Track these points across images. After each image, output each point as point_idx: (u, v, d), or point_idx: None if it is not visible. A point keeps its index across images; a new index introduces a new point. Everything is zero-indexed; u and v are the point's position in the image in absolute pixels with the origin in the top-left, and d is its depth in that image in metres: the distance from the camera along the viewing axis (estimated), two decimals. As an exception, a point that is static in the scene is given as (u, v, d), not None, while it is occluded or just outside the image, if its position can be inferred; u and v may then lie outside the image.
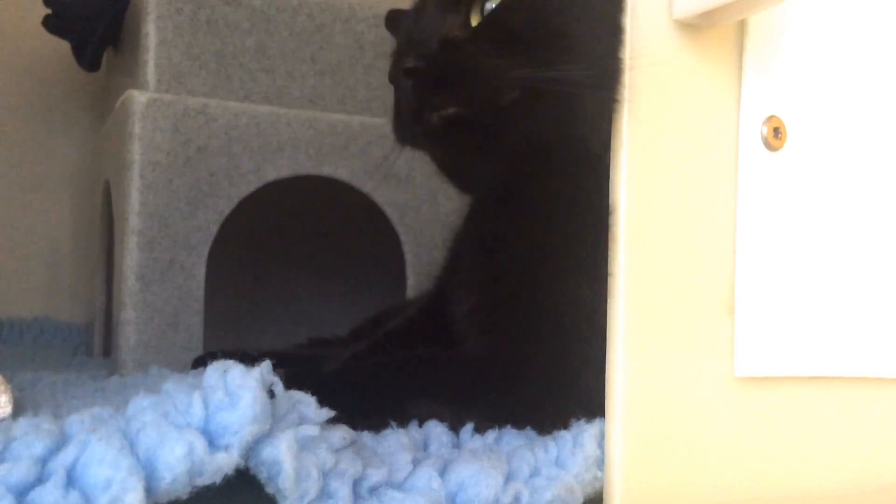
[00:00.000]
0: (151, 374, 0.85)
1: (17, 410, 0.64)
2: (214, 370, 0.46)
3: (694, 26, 0.60)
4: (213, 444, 0.42)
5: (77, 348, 1.36)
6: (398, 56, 0.67)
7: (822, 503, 0.67)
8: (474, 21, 0.63)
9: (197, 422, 0.43)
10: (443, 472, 0.53)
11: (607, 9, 0.61)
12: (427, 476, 0.51)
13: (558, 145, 0.64)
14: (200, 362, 0.83)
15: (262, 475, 0.45)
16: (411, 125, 0.65)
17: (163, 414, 0.44)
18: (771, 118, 0.63)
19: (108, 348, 1.14)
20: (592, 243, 0.60)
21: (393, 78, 0.67)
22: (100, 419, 0.47)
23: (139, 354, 0.93)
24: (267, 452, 0.44)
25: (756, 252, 0.62)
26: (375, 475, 0.50)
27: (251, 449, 0.44)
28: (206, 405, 0.43)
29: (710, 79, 0.62)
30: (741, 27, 0.62)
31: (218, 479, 0.42)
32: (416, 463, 0.54)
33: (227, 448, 0.42)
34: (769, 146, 0.63)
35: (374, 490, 0.50)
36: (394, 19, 0.80)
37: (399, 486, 0.51)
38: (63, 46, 1.26)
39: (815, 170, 0.66)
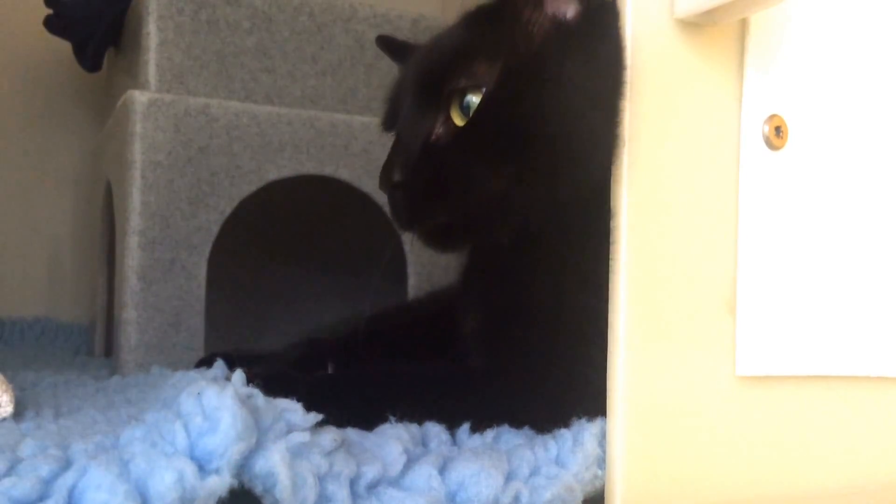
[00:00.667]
0: (153, 374, 0.85)
1: (19, 410, 0.64)
2: (188, 395, 0.45)
3: (695, 25, 0.60)
4: (202, 468, 0.42)
5: (78, 348, 1.36)
6: (388, 157, 0.66)
7: (823, 502, 0.67)
8: (456, 118, 0.62)
9: (183, 449, 0.43)
10: (442, 471, 0.52)
11: (603, 95, 0.59)
12: (426, 474, 0.51)
13: (557, 212, 0.63)
14: (204, 364, 0.83)
15: (258, 489, 0.44)
16: (406, 225, 0.65)
17: (151, 444, 0.44)
18: (772, 117, 0.63)
19: (110, 348, 1.14)
20: (593, 251, 0.61)
21: (382, 185, 0.65)
22: (102, 447, 0.47)
23: (140, 354, 0.93)
24: (260, 465, 0.44)
25: (757, 251, 0.62)
26: (371, 472, 0.50)
27: (243, 464, 0.44)
28: (188, 432, 0.43)
29: (711, 78, 0.62)
30: (742, 26, 0.62)
31: (213, 502, 0.42)
32: (414, 459, 0.54)
33: (217, 471, 0.42)
34: (771, 145, 0.63)
35: (372, 488, 0.50)
36: (385, 42, 0.82)
37: (398, 485, 0.51)
38: (64, 47, 1.26)
39: (816, 169, 0.66)
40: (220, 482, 0.42)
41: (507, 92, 0.60)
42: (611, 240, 0.59)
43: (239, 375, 0.51)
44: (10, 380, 0.66)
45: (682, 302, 0.60)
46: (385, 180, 0.63)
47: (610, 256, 0.59)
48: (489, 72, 0.60)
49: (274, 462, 0.44)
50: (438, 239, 0.66)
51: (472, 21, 0.65)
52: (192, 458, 0.42)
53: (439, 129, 0.62)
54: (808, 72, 0.66)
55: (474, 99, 0.60)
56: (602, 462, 0.59)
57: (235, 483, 0.43)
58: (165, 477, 0.40)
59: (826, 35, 0.67)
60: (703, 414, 0.61)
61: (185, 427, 0.43)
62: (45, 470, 0.41)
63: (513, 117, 0.60)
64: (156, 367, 0.87)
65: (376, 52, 1.10)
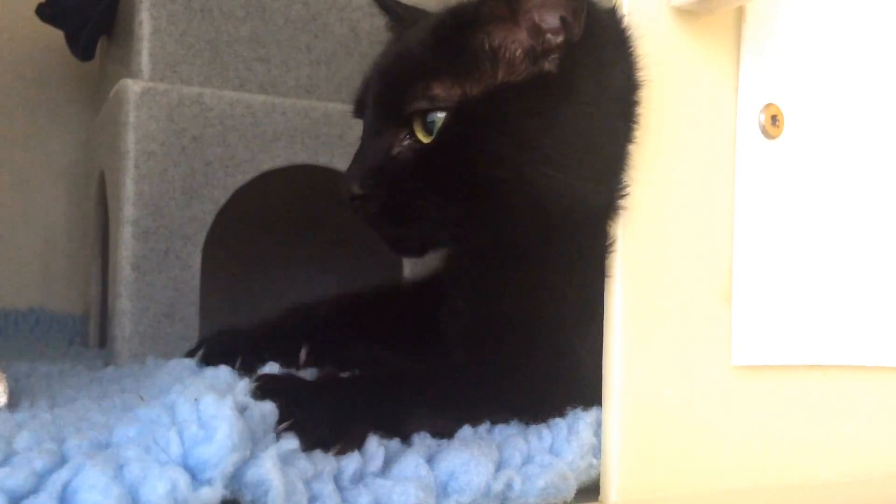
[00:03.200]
0: (148, 364, 0.85)
1: (14, 401, 0.64)
2: (185, 401, 0.45)
3: (691, 13, 0.60)
4: (195, 477, 0.42)
5: (73, 339, 1.36)
6: (349, 167, 0.64)
7: (818, 491, 0.67)
8: (419, 132, 0.60)
9: (176, 458, 0.42)
10: (431, 461, 0.52)
11: (604, 129, 0.58)
12: (414, 464, 0.51)
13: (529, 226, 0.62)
14: (194, 353, 0.83)
15: (247, 497, 0.44)
16: (370, 230, 0.65)
17: (145, 450, 0.43)
18: (769, 106, 0.63)
19: (104, 339, 1.14)
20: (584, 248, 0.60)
21: (343, 194, 0.64)
22: (97, 445, 0.47)
23: (135, 345, 0.93)
24: (251, 474, 0.43)
25: (753, 241, 0.62)
26: (351, 466, 0.50)
27: (234, 473, 0.43)
28: (182, 440, 0.43)
29: (707, 66, 0.62)
30: (739, 14, 0.62)
31: None
32: (396, 452, 0.53)
33: (210, 482, 0.42)
34: (767, 134, 0.63)
35: (357, 480, 0.50)
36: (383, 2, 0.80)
37: (385, 475, 0.51)
38: (56, 35, 1.25)
39: (812, 158, 0.66)
40: (213, 493, 0.41)
41: (469, 121, 0.58)
42: (603, 237, 0.59)
43: (244, 385, 0.51)
44: (5, 370, 0.66)
45: (677, 292, 0.60)
46: (345, 191, 0.63)
47: (597, 252, 0.59)
48: (450, 94, 0.59)
49: (266, 470, 0.44)
50: (399, 247, 0.68)
51: (440, 32, 0.63)
52: (186, 466, 0.42)
53: (401, 145, 0.61)
54: (804, 60, 0.65)
55: (439, 115, 0.59)
56: (597, 451, 0.59)
57: (227, 493, 0.43)
58: (158, 487, 0.40)
59: (823, 23, 0.67)
60: (699, 403, 0.61)
61: (181, 434, 0.43)
62: (39, 464, 0.41)
63: (477, 151, 0.58)
64: (151, 358, 0.87)
65: (371, 40, 1.10)
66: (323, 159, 1.05)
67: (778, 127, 0.63)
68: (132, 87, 0.94)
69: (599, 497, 0.59)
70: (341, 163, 1.05)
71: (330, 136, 1.05)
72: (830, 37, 0.67)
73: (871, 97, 0.69)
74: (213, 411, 0.43)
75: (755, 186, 0.62)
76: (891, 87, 0.70)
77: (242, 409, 0.46)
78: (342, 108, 1.06)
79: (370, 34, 1.10)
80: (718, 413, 0.62)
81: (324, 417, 0.52)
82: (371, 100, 0.64)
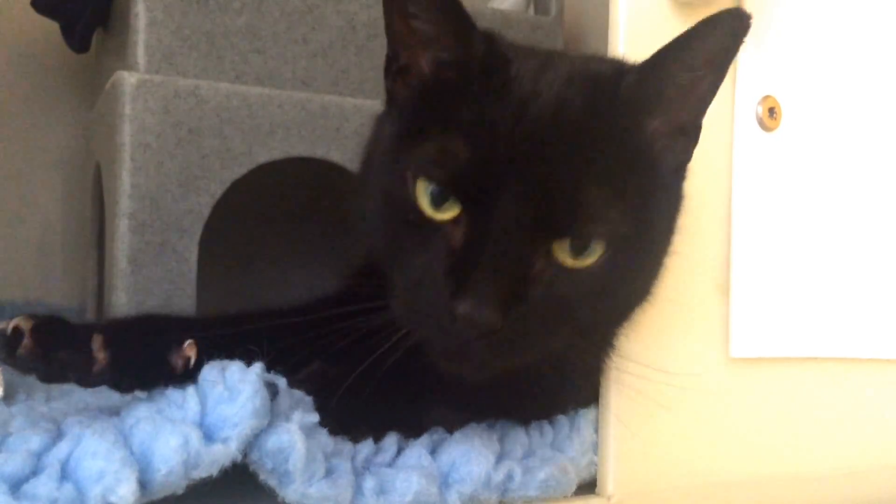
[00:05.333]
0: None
1: (10, 393, 0.64)
2: (212, 367, 0.46)
3: (690, 5, 0.60)
4: (210, 437, 0.42)
5: (69, 332, 1.35)
6: (474, 285, 0.48)
7: (814, 483, 0.67)
8: (561, 253, 0.51)
9: (193, 416, 0.43)
10: (434, 452, 0.53)
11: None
12: (417, 454, 0.52)
13: None
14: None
15: (267, 466, 0.45)
16: (468, 371, 0.53)
17: (157, 410, 0.44)
18: (766, 98, 0.63)
19: (101, 331, 1.13)
20: None
21: (468, 327, 0.48)
22: (96, 417, 0.47)
23: (132, 337, 0.93)
24: (273, 441, 0.45)
25: (750, 233, 0.62)
26: (365, 449, 0.52)
27: (253, 442, 0.44)
28: (203, 400, 0.44)
29: (705, 58, 0.61)
30: (736, 5, 0.62)
31: (214, 471, 0.42)
32: (406, 444, 0.55)
33: (224, 440, 0.43)
34: (764, 126, 0.63)
35: (367, 465, 0.51)
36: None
37: (392, 465, 0.52)
38: (52, 27, 1.24)
39: (810, 151, 0.65)
40: (226, 451, 0.42)
41: (625, 252, 0.51)
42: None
43: (260, 365, 0.51)
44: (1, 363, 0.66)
45: (675, 284, 0.60)
46: (474, 324, 0.48)
47: None
48: (623, 220, 0.50)
49: (290, 437, 0.45)
50: (477, 372, 0.54)
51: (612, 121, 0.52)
52: (203, 424, 0.43)
53: (541, 264, 0.51)
54: (802, 53, 0.65)
55: (590, 247, 0.51)
56: (597, 447, 0.59)
57: (239, 458, 0.43)
58: (171, 441, 0.40)
59: (820, 16, 0.67)
60: (696, 395, 0.61)
61: (203, 393, 0.44)
62: (35, 442, 0.40)
63: (631, 279, 0.53)
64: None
65: (368, 32, 1.09)
66: (320, 151, 1.04)
67: (775, 119, 0.63)
68: (128, 80, 0.94)
69: (597, 489, 0.59)
70: (338, 155, 1.05)
71: (327, 128, 1.05)
72: (828, 29, 0.67)
73: (869, 90, 0.69)
74: (239, 376, 0.45)
75: (753, 179, 0.62)
76: (889, 79, 0.70)
77: (267, 383, 0.47)
78: (339, 100, 1.06)
79: (367, 26, 1.10)
80: (716, 405, 0.62)
81: (353, 411, 0.52)
82: (514, 199, 0.50)
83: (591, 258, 0.51)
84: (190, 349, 0.59)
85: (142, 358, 0.59)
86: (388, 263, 0.55)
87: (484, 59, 0.54)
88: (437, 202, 0.52)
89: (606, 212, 0.50)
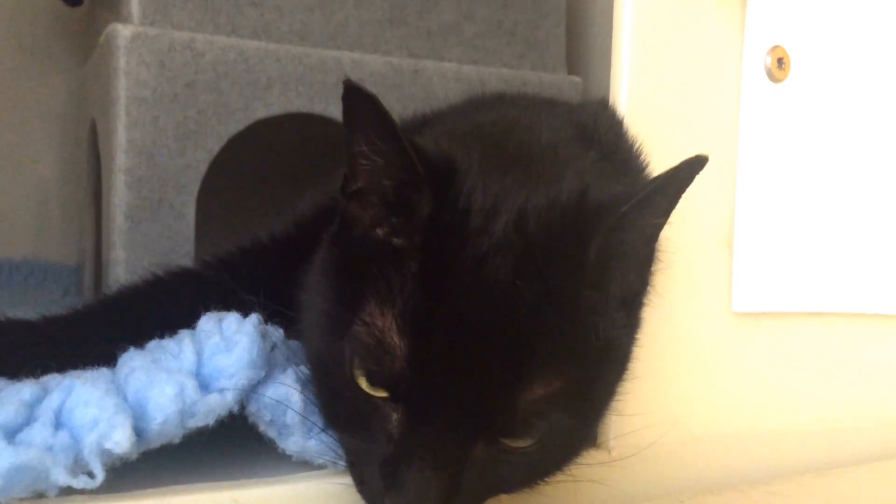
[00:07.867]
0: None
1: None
2: (209, 318, 0.46)
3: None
4: (206, 387, 0.42)
5: (67, 288, 1.36)
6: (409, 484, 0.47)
7: (816, 437, 0.67)
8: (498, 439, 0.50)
9: (189, 365, 0.43)
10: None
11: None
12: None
13: None
14: None
15: (266, 417, 0.45)
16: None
17: (152, 360, 0.44)
18: (775, 48, 0.61)
19: (99, 288, 1.13)
20: None
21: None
22: (89, 370, 0.46)
23: (130, 294, 0.92)
24: (272, 392, 0.45)
25: (756, 186, 0.61)
26: None
27: (251, 394, 0.44)
28: (199, 350, 0.43)
29: (712, 7, 0.60)
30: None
31: (211, 420, 0.42)
32: None
33: (221, 390, 0.42)
34: (772, 77, 0.61)
35: None
36: None
37: None
38: (44, -20, 1.22)
39: (818, 103, 0.64)
40: (222, 401, 0.42)
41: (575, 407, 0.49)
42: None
43: (256, 318, 0.50)
44: (-2, 319, 0.65)
45: (678, 237, 0.59)
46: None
47: None
48: (568, 408, 0.49)
49: (287, 389, 0.45)
50: None
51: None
52: (199, 374, 0.43)
53: (479, 449, 0.49)
54: (811, 2, 0.64)
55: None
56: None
57: (236, 409, 0.44)
58: (166, 389, 0.40)
59: (831, -37, 0.65)
60: (699, 349, 0.61)
61: (199, 344, 0.44)
62: (27, 393, 0.40)
63: (565, 450, 0.53)
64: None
65: (366, -16, 1.07)
66: (318, 107, 1.03)
67: (784, 70, 0.62)
68: (122, 32, 0.92)
69: (598, 442, 0.59)
70: (336, 111, 1.03)
71: (325, 83, 1.03)
72: (839, -23, 0.65)
73: (881, 42, 0.68)
74: (235, 327, 0.45)
75: (759, 131, 0.61)
76: (899, 29, 0.68)
77: (263, 334, 0.47)
78: (337, 54, 1.04)
79: (365, -22, 1.08)
80: (719, 359, 0.62)
81: None
82: (454, 400, 0.47)
83: (532, 440, 0.50)
84: None
85: None
86: (330, 423, 0.50)
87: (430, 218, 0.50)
88: (375, 384, 0.48)
89: (550, 409, 0.48)
